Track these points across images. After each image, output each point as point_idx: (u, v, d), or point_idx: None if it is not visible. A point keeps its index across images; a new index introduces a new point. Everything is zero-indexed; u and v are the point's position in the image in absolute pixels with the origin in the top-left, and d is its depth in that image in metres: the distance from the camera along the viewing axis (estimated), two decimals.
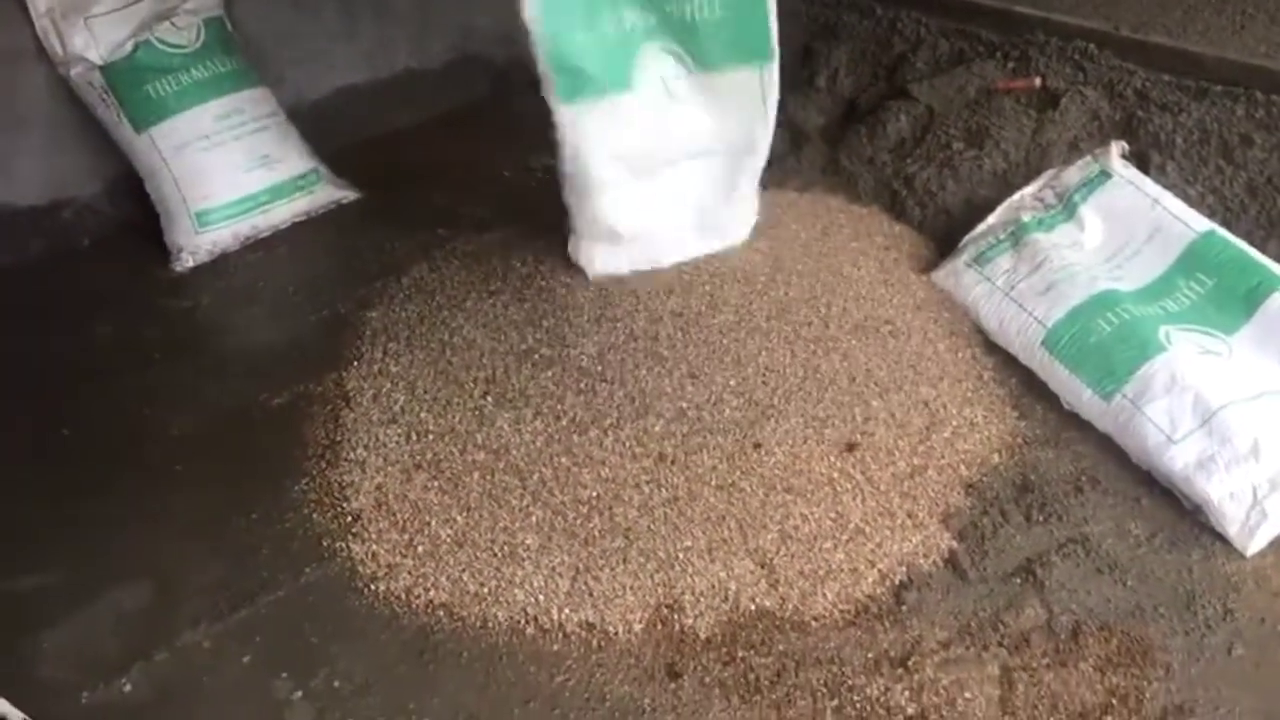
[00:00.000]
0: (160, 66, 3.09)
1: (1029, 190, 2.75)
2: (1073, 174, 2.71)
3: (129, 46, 3.06)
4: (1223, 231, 2.48)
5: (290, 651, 1.99)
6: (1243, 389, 2.21)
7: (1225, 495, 2.10)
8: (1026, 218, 2.66)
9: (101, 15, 3.06)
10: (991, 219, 2.72)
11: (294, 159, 3.28)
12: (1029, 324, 2.47)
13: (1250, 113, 2.83)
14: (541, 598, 2.05)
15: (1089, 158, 2.73)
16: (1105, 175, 2.64)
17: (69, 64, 3.03)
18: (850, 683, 1.88)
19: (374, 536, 2.20)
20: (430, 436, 2.38)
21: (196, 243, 3.10)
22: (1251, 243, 2.49)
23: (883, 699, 1.86)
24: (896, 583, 2.07)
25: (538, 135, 3.39)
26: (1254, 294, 2.36)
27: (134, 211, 3.27)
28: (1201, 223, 2.50)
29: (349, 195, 3.37)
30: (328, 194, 3.33)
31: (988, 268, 2.61)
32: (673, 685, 1.90)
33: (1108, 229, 2.57)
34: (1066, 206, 2.64)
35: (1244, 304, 2.36)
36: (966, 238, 2.73)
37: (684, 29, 2.39)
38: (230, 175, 3.15)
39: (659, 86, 2.42)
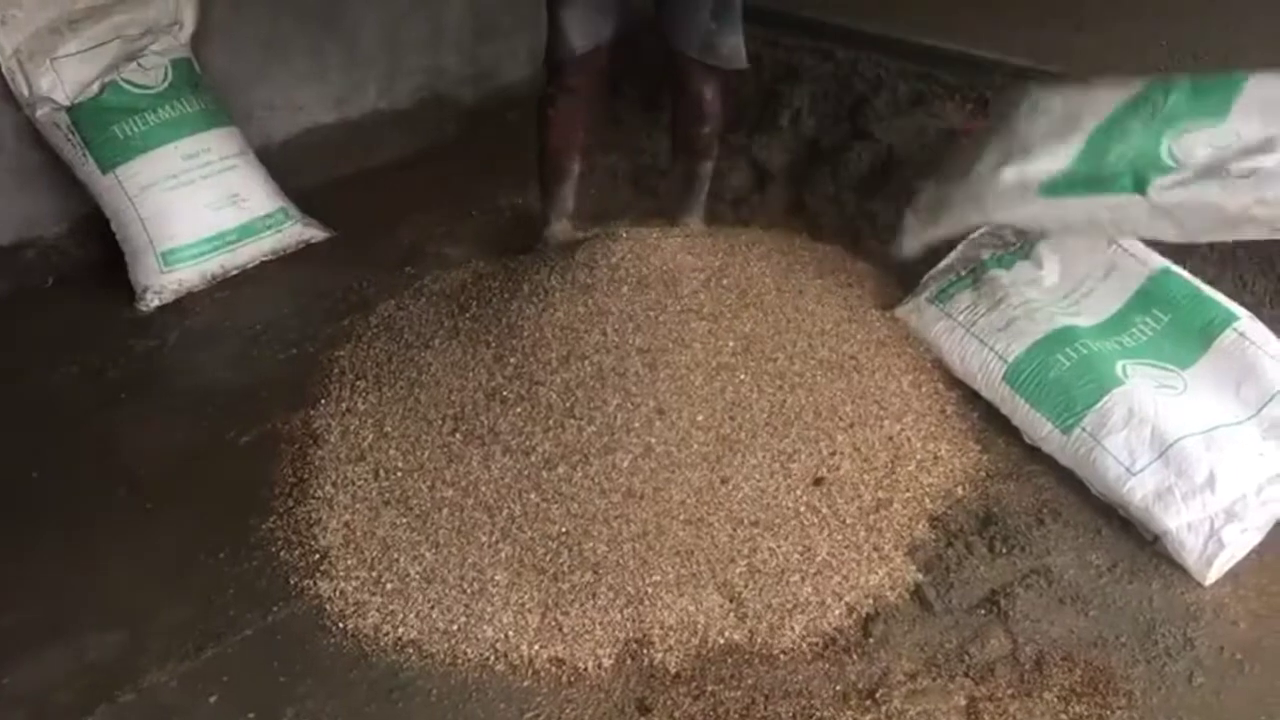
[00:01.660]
0: (127, 107, 3.09)
1: (988, 228, 2.79)
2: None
3: (95, 87, 3.06)
4: (1177, 269, 2.53)
5: (258, 691, 1.98)
6: (1198, 422, 2.26)
7: (1183, 526, 2.14)
8: (986, 255, 2.71)
9: (68, 57, 3.06)
10: (952, 256, 2.76)
11: (262, 198, 3.28)
12: (990, 359, 2.51)
13: None
14: (511, 634, 2.05)
15: None
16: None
17: (35, 105, 3.02)
18: (819, 715, 1.89)
19: (342, 574, 2.19)
20: (398, 474, 2.38)
21: (162, 282, 3.09)
22: (1204, 279, 2.54)
23: None
24: (864, 615, 2.08)
25: (505, 175, 3.46)
26: (1208, 330, 2.40)
27: (99, 251, 3.25)
28: (1156, 260, 2.54)
29: (318, 234, 3.38)
30: (296, 233, 3.33)
31: (949, 304, 2.65)
32: None
33: (1065, 266, 2.62)
34: (1024, 244, 2.69)
35: (1199, 339, 2.40)
36: (928, 274, 2.77)
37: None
38: (197, 214, 3.15)
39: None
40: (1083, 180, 2.27)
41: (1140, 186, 2.14)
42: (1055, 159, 2.39)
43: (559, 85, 2.90)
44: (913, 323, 2.70)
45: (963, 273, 2.69)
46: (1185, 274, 2.53)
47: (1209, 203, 2.10)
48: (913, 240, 2.54)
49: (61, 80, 3.04)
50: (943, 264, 2.76)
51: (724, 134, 3.15)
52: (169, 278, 3.10)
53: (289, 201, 3.35)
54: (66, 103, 3.04)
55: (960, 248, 2.76)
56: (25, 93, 3.03)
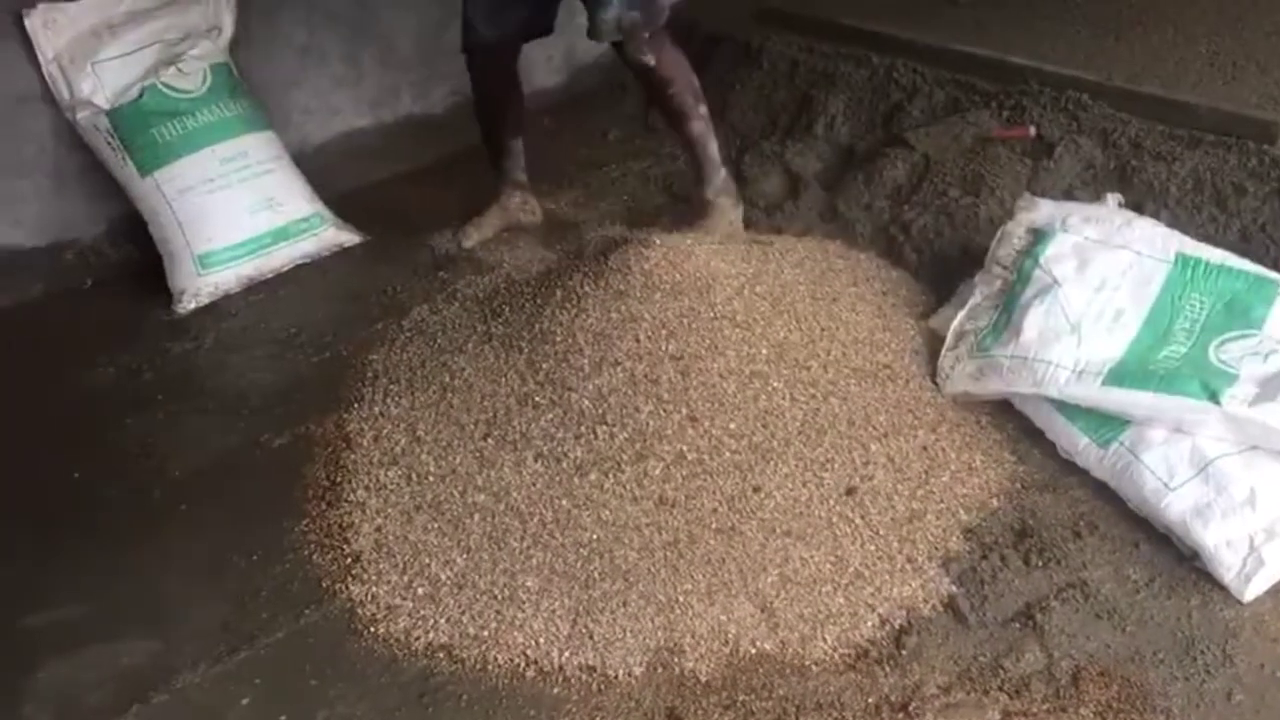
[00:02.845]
0: (166, 111, 3.12)
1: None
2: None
3: (135, 91, 3.09)
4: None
5: (289, 694, 1.99)
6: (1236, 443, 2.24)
7: (1222, 542, 2.10)
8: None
9: (109, 60, 3.10)
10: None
11: (298, 202, 3.31)
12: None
13: (1243, 162, 2.87)
14: (541, 640, 2.05)
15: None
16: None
17: (75, 108, 3.07)
18: None
19: (374, 578, 2.20)
20: (430, 478, 2.38)
21: (199, 285, 3.12)
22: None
23: None
24: (896, 627, 2.07)
25: (537, 179, 3.47)
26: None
27: (135, 253, 3.30)
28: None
29: (352, 238, 3.40)
30: (331, 237, 3.35)
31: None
32: None
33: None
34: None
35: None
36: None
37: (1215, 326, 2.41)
38: (234, 218, 3.17)
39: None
40: (1142, 374, 2.33)
41: (1214, 396, 2.21)
42: (1107, 346, 2.42)
43: (471, 68, 3.16)
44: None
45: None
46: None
47: (1278, 429, 2.19)
48: (953, 389, 2.56)
49: (102, 84, 3.08)
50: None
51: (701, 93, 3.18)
52: (205, 281, 3.13)
53: (324, 206, 3.37)
54: (106, 106, 3.08)
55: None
56: (66, 96, 3.07)
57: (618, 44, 2.97)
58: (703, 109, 3.15)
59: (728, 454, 2.31)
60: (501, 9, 2.98)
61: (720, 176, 3.23)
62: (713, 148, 3.20)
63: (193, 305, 3.11)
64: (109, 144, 3.09)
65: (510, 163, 3.39)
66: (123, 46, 3.12)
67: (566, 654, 2.03)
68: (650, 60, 2.97)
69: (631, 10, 2.82)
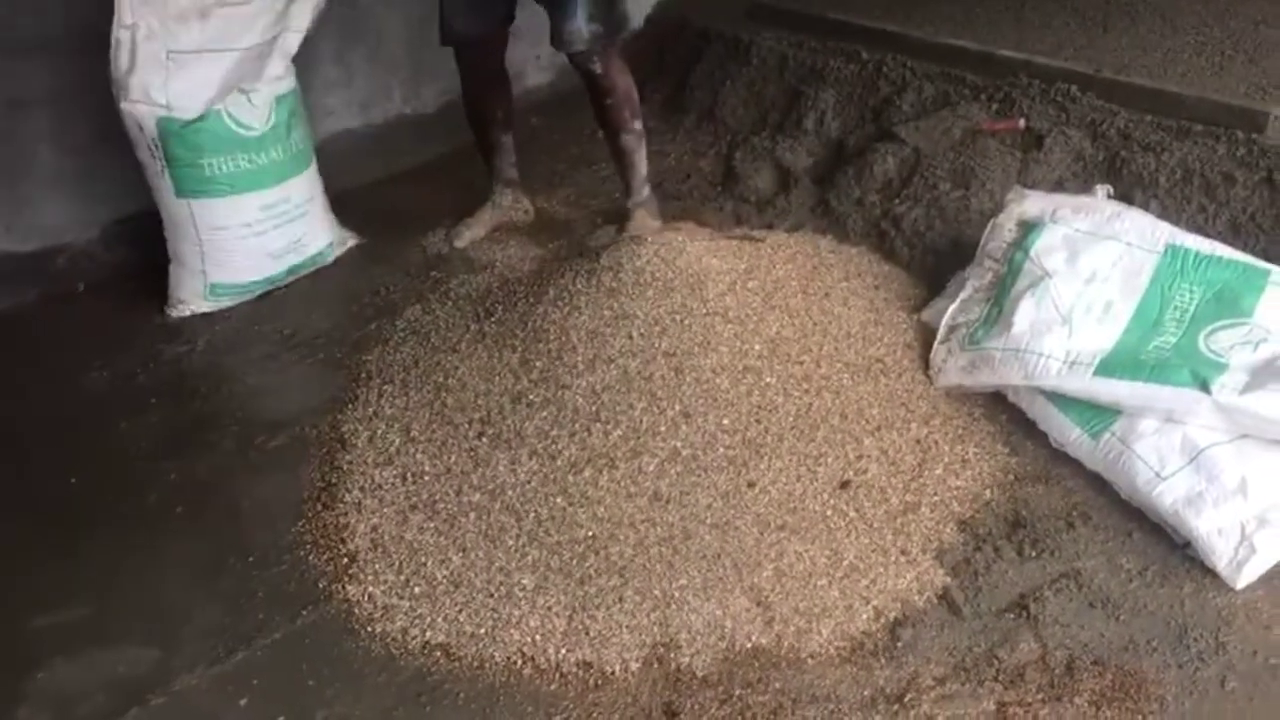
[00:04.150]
0: (223, 145, 2.93)
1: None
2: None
3: (199, 108, 2.87)
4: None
5: (287, 694, 1.99)
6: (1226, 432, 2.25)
7: (1214, 530, 2.12)
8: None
9: (184, 54, 2.86)
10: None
11: (320, 236, 3.26)
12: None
13: (1232, 152, 2.88)
14: (538, 638, 2.06)
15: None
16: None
17: (128, 90, 2.81)
18: None
19: (370, 578, 2.20)
20: (426, 478, 2.39)
21: (201, 303, 3.09)
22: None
23: None
24: (891, 619, 2.08)
25: (530, 178, 3.47)
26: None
27: (129, 256, 3.29)
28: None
29: (349, 240, 3.39)
30: (334, 254, 3.34)
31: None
32: None
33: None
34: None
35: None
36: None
37: (1205, 315, 2.43)
38: (259, 261, 3.10)
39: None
40: (1133, 364, 2.34)
41: (1204, 385, 2.23)
42: (1098, 337, 2.43)
43: (459, 63, 3.21)
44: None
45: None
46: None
47: (1268, 417, 2.20)
48: (945, 381, 2.56)
49: (168, 78, 2.84)
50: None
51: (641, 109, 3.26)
52: (209, 302, 3.10)
53: (338, 226, 3.36)
54: (162, 109, 2.84)
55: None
56: (125, 67, 2.80)
57: (567, 56, 3.05)
58: (637, 124, 3.22)
59: (721, 449, 2.32)
60: (478, 5, 3.02)
61: (645, 191, 3.31)
62: (641, 162, 3.27)
63: (188, 313, 3.09)
64: (150, 150, 2.89)
65: (501, 160, 3.41)
66: (204, 40, 2.88)
67: (563, 651, 2.03)
68: (598, 68, 3.04)
69: (593, 24, 2.91)
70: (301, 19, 3.04)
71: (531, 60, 4.10)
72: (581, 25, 2.91)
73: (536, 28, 3.04)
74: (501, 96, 3.32)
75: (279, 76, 3.03)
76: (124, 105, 2.84)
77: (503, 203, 3.44)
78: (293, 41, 3.04)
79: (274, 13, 3.00)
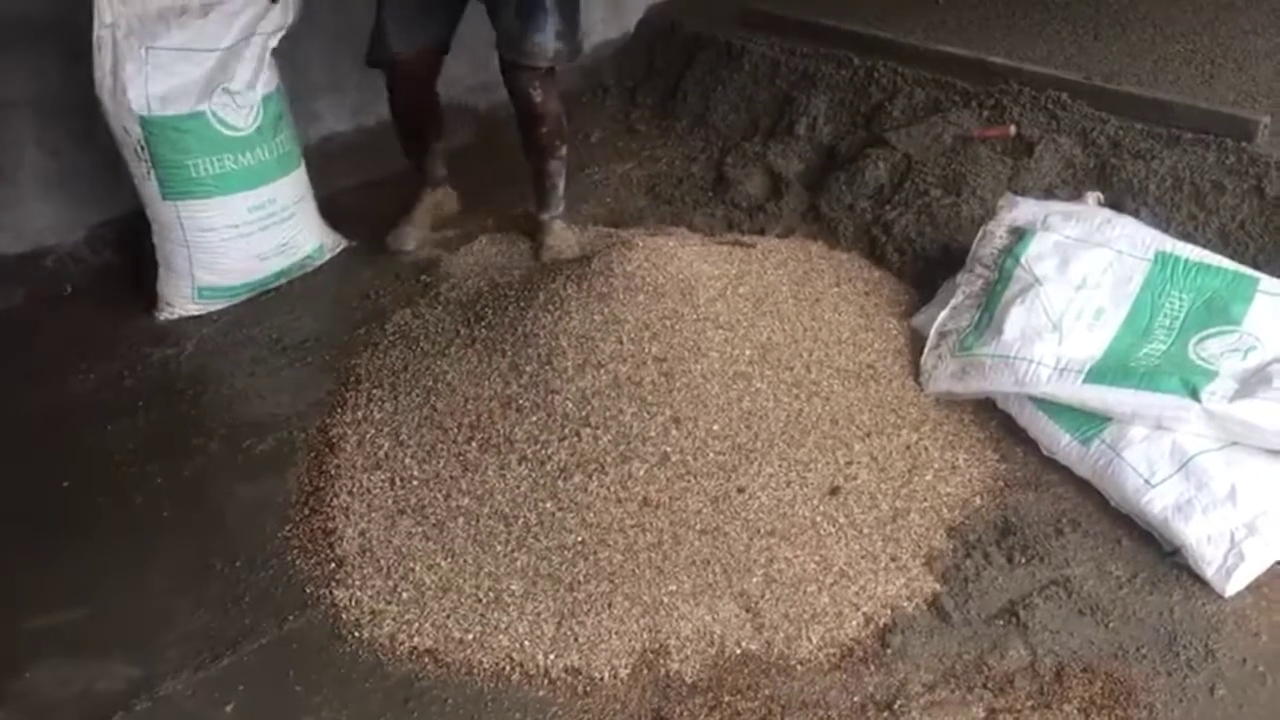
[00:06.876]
0: (209, 146, 2.90)
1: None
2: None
3: (184, 109, 2.85)
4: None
5: (274, 700, 1.98)
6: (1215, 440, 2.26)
7: (1203, 538, 2.12)
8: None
9: (164, 50, 2.82)
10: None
11: (309, 239, 3.24)
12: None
13: (1221, 159, 2.90)
14: (527, 643, 2.05)
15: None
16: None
17: (112, 92, 2.79)
18: None
19: (358, 583, 2.19)
20: (414, 482, 2.38)
21: (188, 306, 3.07)
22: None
23: None
24: (881, 626, 2.07)
25: (520, 182, 3.46)
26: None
27: (115, 259, 3.27)
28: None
29: (339, 243, 3.37)
30: (324, 258, 3.32)
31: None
32: None
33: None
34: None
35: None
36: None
37: (1194, 323, 2.45)
38: (247, 264, 3.08)
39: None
40: (1123, 371, 2.34)
41: (1194, 392, 2.23)
42: (1089, 344, 2.43)
43: (389, 85, 3.18)
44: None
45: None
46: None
47: (1257, 425, 2.21)
48: (936, 387, 2.56)
49: (147, 77, 2.80)
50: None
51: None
52: (197, 305, 3.08)
53: (328, 230, 3.34)
54: (143, 108, 2.81)
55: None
56: (107, 69, 2.78)
57: (508, 70, 3.02)
58: (564, 150, 3.24)
59: (712, 455, 2.32)
60: (418, 24, 3.01)
61: (560, 207, 3.34)
62: (561, 183, 3.30)
63: (176, 316, 3.08)
64: (137, 153, 2.87)
65: (432, 163, 3.45)
66: (185, 39, 2.85)
67: (552, 657, 2.02)
68: (537, 96, 3.04)
69: (559, 41, 2.91)
70: (283, 17, 3.03)
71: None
72: (549, 41, 2.89)
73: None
74: (435, 108, 3.31)
75: (264, 77, 3.01)
76: (108, 105, 2.83)
77: (436, 198, 3.48)
78: (275, 41, 3.03)
79: (254, 12, 2.98)
